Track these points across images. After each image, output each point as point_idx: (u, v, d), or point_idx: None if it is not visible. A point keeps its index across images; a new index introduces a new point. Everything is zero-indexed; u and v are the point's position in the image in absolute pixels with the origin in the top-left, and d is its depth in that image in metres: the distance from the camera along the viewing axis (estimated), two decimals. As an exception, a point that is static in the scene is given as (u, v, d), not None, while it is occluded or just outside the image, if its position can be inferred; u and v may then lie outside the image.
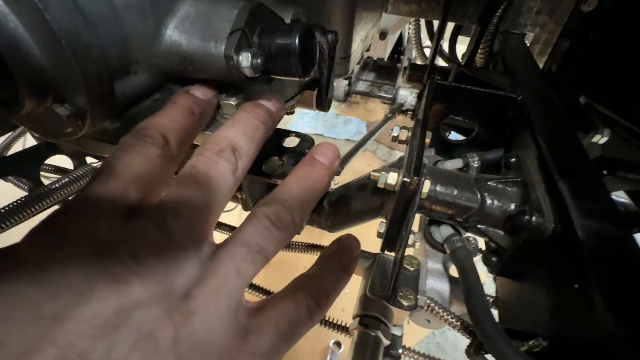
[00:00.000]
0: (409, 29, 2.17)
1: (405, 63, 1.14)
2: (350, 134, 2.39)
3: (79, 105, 0.25)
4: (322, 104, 0.42)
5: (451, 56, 0.99)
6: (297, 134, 0.40)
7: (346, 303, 1.42)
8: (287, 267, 1.50)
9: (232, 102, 0.32)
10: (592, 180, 0.36)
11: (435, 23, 1.08)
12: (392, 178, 0.37)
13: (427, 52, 1.44)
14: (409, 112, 1.40)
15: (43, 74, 0.23)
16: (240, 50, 0.28)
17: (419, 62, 1.42)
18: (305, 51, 0.30)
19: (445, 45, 1.00)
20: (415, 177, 0.35)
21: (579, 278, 0.28)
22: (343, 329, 0.51)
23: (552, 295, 0.33)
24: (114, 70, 0.26)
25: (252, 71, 0.28)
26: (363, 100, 2.77)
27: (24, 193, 0.54)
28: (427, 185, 0.36)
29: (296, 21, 0.36)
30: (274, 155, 0.37)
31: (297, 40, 0.28)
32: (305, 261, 1.69)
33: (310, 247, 0.60)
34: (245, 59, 0.27)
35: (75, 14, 0.22)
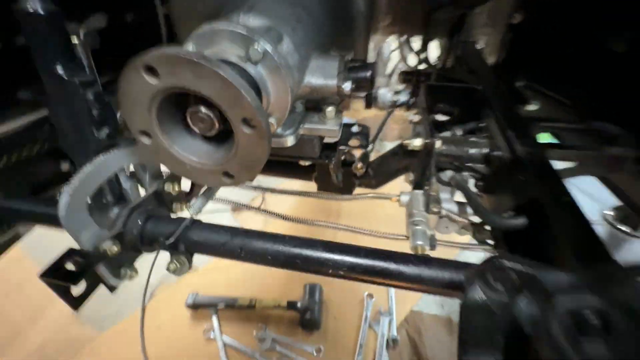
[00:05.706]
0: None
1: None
2: (341, 133, 2.67)
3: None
4: (370, 105, 0.70)
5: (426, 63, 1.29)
6: (358, 124, 0.68)
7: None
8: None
9: (332, 109, 0.58)
10: (524, 127, 0.66)
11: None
12: (418, 142, 0.65)
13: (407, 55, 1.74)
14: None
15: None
16: (342, 81, 0.55)
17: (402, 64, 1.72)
18: (372, 77, 0.57)
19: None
20: (432, 139, 0.63)
21: (522, 174, 0.57)
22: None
23: (514, 190, 0.61)
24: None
25: (350, 92, 0.55)
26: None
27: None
28: (439, 143, 0.64)
29: (354, 60, 0.64)
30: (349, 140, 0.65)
31: (371, 73, 0.56)
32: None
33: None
34: (349, 86, 0.54)
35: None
